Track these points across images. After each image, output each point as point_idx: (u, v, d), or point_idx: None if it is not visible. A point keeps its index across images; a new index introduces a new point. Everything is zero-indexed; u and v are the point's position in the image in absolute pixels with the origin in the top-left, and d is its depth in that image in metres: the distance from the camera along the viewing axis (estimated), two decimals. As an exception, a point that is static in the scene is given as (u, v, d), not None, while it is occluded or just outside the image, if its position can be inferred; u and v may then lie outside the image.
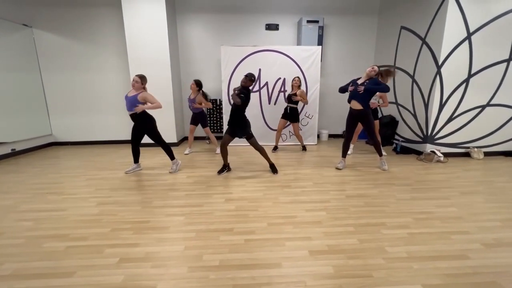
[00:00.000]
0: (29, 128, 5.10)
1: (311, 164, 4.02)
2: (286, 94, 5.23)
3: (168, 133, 5.27)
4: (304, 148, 4.90)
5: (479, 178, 3.36)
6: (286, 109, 4.65)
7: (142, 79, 3.28)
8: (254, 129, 5.23)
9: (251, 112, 5.13)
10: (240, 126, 3.38)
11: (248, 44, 5.41)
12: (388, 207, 2.51)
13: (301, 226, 2.16)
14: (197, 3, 5.45)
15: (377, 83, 3.35)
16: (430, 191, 2.90)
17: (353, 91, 3.45)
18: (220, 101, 5.52)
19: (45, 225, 2.19)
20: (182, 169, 3.77)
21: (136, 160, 3.67)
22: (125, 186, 3.10)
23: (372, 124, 3.56)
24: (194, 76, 5.74)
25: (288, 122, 4.82)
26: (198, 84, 4.44)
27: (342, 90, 3.64)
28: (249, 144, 3.51)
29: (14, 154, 4.72)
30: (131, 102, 3.26)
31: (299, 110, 4.90)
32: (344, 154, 3.82)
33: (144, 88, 3.36)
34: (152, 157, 4.43)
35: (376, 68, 3.37)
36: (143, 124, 3.40)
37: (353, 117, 3.62)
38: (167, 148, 3.59)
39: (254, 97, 5.20)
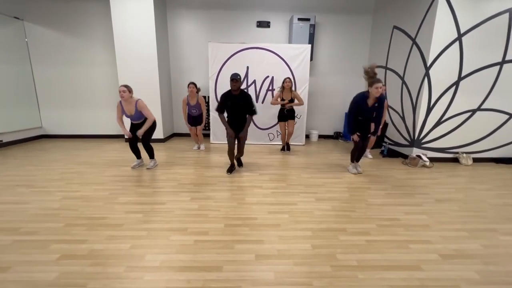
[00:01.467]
0: (19, 120, 5.15)
1: (293, 165, 3.95)
2: (274, 94, 5.15)
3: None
4: (288, 147, 4.78)
5: (461, 185, 3.24)
6: (282, 110, 4.49)
7: (127, 87, 3.27)
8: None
9: (238, 110, 5.09)
10: (243, 124, 3.39)
11: (239, 41, 5.33)
12: (355, 212, 2.43)
13: (258, 228, 2.10)
14: (188, -2, 5.40)
15: (383, 103, 3.22)
16: (404, 197, 2.80)
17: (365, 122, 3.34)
18: (208, 98, 5.45)
19: (1, 218, 2.18)
20: (160, 164, 3.75)
21: (138, 156, 3.71)
22: (96, 181, 3.08)
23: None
24: (184, 72, 5.72)
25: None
26: (197, 86, 4.35)
27: (351, 124, 3.40)
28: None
29: (2, 145, 4.77)
30: (138, 116, 3.41)
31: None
32: (357, 159, 3.60)
33: (132, 97, 3.35)
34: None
35: (383, 87, 3.09)
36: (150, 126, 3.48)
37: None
38: (151, 150, 3.62)
39: (241, 95, 5.14)
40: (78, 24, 5.23)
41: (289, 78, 4.35)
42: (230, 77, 3.13)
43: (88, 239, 1.91)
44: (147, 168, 3.57)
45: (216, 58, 5.00)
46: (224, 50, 5.00)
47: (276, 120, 4.75)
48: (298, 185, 3.07)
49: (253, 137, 5.22)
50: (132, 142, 3.57)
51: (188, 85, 4.32)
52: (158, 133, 5.26)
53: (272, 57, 5.02)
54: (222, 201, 2.60)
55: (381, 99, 3.16)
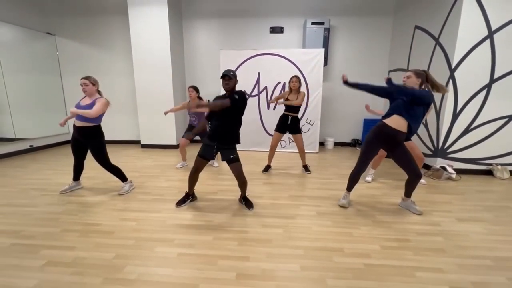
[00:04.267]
0: (48, 126, 5.57)
1: (301, 174, 3.75)
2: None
3: (168, 136, 5.40)
4: (306, 168, 3.81)
5: (492, 202, 2.82)
6: (284, 119, 3.64)
7: (89, 79, 2.70)
8: (251, 135, 5.18)
9: (249, 116, 5.02)
10: (231, 142, 2.45)
11: (253, 48, 5.30)
12: (358, 229, 2.20)
13: (247, 243, 1.98)
14: (203, 8, 5.52)
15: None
16: (421, 214, 2.49)
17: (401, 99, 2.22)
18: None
19: (6, 220, 2.31)
20: (166, 171, 3.78)
21: (76, 177, 3.03)
22: (103, 186, 3.18)
23: (408, 151, 2.41)
24: (198, 80, 5.79)
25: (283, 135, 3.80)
26: (198, 90, 3.93)
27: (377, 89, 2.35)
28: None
29: (32, 150, 5.20)
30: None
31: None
32: (351, 188, 2.68)
33: (99, 92, 2.84)
34: (146, 159, 4.53)
35: (412, 76, 2.26)
36: (92, 140, 2.80)
37: (383, 141, 2.38)
38: (117, 171, 2.98)
39: (252, 101, 5.09)
40: (100, 36, 5.59)
41: (296, 76, 3.52)
42: (221, 76, 2.33)
43: (77, 246, 1.93)
44: (120, 194, 2.91)
45: (227, 66, 4.97)
46: (235, 57, 5.00)
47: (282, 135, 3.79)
48: (301, 197, 2.89)
49: (264, 145, 5.11)
50: (81, 158, 2.93)
51: (188, 88, 3.85)
52: (171, 140, 5.41)
53: (283, 62, 4.91)
54: (217, 211, 2.51)
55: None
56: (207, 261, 1.76)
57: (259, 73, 5.00)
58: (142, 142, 5.54)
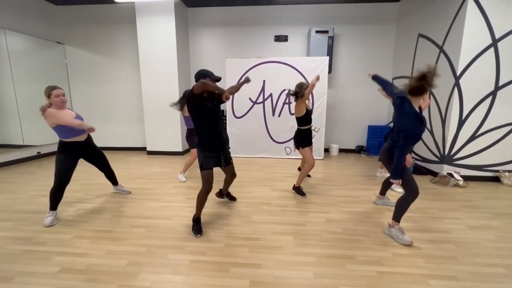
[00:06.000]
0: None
1: (307, 181, 3.75)
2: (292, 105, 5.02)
3: (174, 143, 5.44)
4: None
5: (501, 209, 2.81)
6: (309, 132, 3.26)
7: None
8: (257, 141, 5.21)
9: (255, 123, 5.07)
10: (227, 142, 2.43)
11: (257, 56, 5.37)
12: (369, 237, 2.20)
13: (259, 250, 1.98)
14: (209, 17, 5.63)
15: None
16: (429, 221, 2.49)
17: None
18: (225, 112, 5.51)
19: (18, 227, 2.33)
20: (173, 178, 3.80)
21: (55, 206, 2.52)
22: (110, 193, 3.20)
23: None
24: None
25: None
26: None
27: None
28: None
29: (40, 156, 5.25)
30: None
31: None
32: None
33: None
34: (152, 165, 4.56)
35: None
36: (95, 145, 3.00)
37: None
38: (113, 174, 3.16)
39: (258, 108, 5.14)
40: (108, 45, 5.70)
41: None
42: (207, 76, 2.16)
43: (89, 253, 1.94)
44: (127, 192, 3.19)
45: (232, 73, 5.08)
46: (240, 65, 5.07)
47: (292, 135, 3.44)
48: (309, 204, 2.89)
49: (269, 151, 5.15)
50: (68, 180, 2.58)
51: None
52: (176, 146, 5.44)
53: (288, 70, 4.98)
54: (226, 218, 2.52)
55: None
56: (219, 268, 1.76)
57: (264, 81, 5.06)
58: (148, 149, 5.58)
